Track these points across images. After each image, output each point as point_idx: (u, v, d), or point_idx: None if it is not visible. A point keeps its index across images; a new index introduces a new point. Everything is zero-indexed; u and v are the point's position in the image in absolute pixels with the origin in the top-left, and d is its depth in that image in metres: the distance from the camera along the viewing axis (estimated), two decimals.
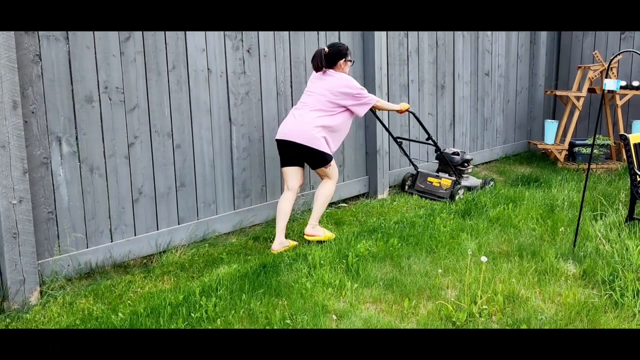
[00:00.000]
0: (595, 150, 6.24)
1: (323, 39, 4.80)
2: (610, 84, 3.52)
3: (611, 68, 6.26)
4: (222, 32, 4.11)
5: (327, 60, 4.04)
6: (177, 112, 3.94)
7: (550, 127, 6.59)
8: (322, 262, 3.62)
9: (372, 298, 3.20)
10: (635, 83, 6.41)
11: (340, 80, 4.01)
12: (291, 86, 4.63)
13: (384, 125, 5.09)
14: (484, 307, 3.00)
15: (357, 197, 5.30)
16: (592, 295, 3.18)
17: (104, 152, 3.59)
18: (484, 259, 3.04)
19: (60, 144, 3.39)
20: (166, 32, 3.81)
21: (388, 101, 5.36)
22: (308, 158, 4.02)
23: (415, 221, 4.36)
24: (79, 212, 3.50)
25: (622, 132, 6.40)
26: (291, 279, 3.41)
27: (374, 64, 5.07)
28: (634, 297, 3.06)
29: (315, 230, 4.04)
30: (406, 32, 5.50)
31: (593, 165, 6.16)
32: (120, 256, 3.71)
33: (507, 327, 2.85)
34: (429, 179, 5.26)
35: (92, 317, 2.99)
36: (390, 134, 5.13)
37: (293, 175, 4.06)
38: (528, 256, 3.69)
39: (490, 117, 6.71)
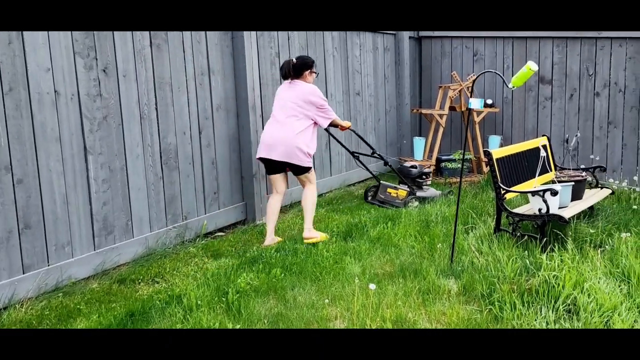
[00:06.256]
0: (458, 165, 6.61)
1: (190, 58, 4.47)
2: (475, 102, 3.67)
3: (468, 87, 6.71)
4: (70, 49, 3.61)
5: (294, 70, 4.36)
6: (17, 141, 3.36)
7: (419, 144, 6.87)
8: (199, 302, 3.27)
9: None
10: (489, 101, 6.95)
11: (308, 88, 4.36)
12: (156, 109, 4.23)
13: (339, 142, 5.36)
14: None
15: (234, 224, 4.99)
16: (474, 311, 3.23)
17: None
18: (372, 286, 2.93)
19: None
20: None
21: (262, 122, 5.17)
22: (292, 168, 4.43)
23: (298, 247, 4.18)
24: None
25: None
26: (164, 326, 3.02)
27: (246, 85, 4.86)
28: (512, 309, 3.15)
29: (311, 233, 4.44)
30: (277, 52, 5.37)
31: (457, 179, 6.52)
32: None
33: None
34: (389, 190, 5.62)
35: None
36: (347, 149, 5.40)
37: (280, 180, 4.49)
38: (411, 276, 3.68)
39: (364, 135, 6.82)
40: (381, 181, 5.79)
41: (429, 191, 5.76)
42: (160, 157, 4.28)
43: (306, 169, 4.42)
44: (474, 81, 3.70)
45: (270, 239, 4.40)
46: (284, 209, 5.44)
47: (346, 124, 4.77)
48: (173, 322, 3.05)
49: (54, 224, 3.57)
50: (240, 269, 3.80)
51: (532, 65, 3.37)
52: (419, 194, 5.63)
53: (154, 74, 4.19)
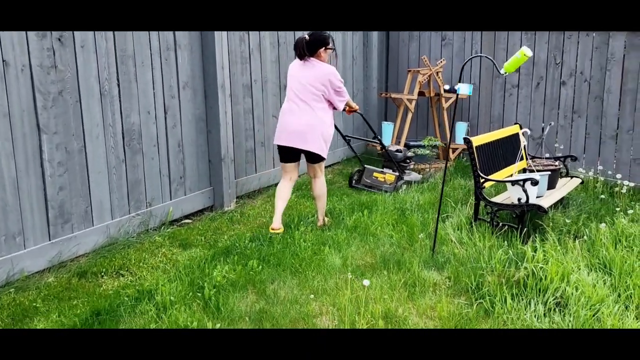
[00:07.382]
0: (427, 151, 6.53)
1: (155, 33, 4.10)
2: (463, 88, 3.53)
3: (437, 72, 6.61)
4: None
5: (308, 47, 3.98)
6: None
7: (387, 129, 6.73)
8: (172, 298, 2.99)
9: None
10: (457, 87, 6.87)
11: (327, 69, 4.03)
12: (118, 85, 3.85)
13: (335, 127, 5.00)
14: None
15: (201, 211, 4.69)
16: (463, 305, 3.12)
17: None
18: (366, 282, 2.76)
19: None
20: None
21: (231, 102, 4.87)
22: (309, 156, 4.16)
23: (273, 237, 3.95)
24: None
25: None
26: (136, 326, 2.74)
27: (215, 62, 4.53)
28: (502, 303, 3.07)
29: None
30: None
31: (426, 165, 6.44)
32: None
33: None
34: (375, 174, 5.50)
35: None
36: (340, 132, 5.26)
37: (295, 169, 4.23)
38: (394, 268, 3.54)
39: None
40: (366, 165, 5.66)
41: (412, 175, 5.79)
42: (123, 138, 3.92)
43: (322, 158, 4.18)
44: (462, 67, 3.56)
45: (278, 223, 4.03)
46: (251, 195, 5.19)
47: (355, 106, 4.53)
48: (146, 322, 2.77)
49: (2, 212, 3.18)
50: (214, 261, 3.54)
51: (526, 51, 3.26)
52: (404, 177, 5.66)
53: (115, 45, 3.80)
